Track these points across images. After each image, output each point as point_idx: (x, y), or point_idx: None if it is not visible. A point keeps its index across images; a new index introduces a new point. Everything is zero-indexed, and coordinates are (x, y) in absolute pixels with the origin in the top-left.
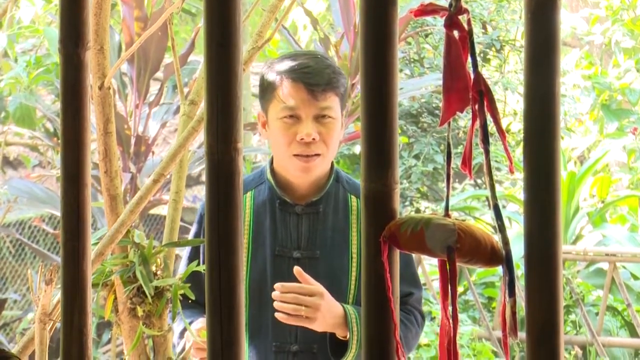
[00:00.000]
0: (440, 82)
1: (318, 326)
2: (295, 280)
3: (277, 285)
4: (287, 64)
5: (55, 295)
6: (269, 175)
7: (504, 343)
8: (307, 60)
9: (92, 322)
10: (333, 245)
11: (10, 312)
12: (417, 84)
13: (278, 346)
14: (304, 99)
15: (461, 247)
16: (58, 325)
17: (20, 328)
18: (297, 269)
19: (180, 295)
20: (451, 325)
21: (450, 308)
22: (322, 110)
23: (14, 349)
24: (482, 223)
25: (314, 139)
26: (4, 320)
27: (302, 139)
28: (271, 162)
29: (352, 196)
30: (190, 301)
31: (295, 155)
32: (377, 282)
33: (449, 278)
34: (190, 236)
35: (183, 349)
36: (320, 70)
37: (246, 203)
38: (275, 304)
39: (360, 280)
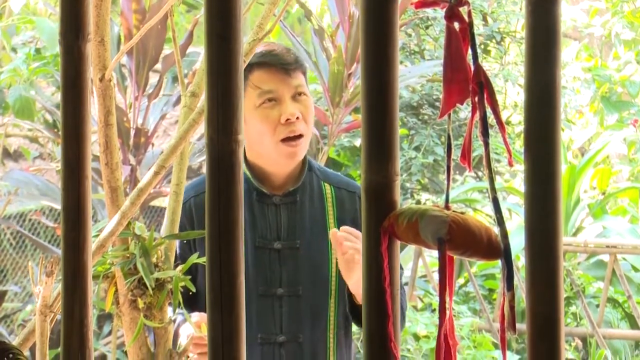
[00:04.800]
0: (436, 69)
1: (357, 274)
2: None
3: (333, 231)
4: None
5: (55, 287)
6: (243, 167)
7: (501, 338)
8: (268, 47)
9: (92, 314)
10: (312, 234)
11: (11, 304)
12: (413, 72)
13: (264, 338)
14: (281, 78)
15: (452, 239)
16: (59, 317)
17: (20, 319)
18: (333, 231)
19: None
20: (445, 318)
21: (448, 300)
22: (297, 88)
23: (14, 341)
24: (482, 214)
25: (297, 117)
26: (4, 312)
27: (287, 119)
28: (244, 154)
29: (326, 184)
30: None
31: (282, 140)
32: (378, 273)
33: (438, 269)
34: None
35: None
36: (286, 51)
37: None
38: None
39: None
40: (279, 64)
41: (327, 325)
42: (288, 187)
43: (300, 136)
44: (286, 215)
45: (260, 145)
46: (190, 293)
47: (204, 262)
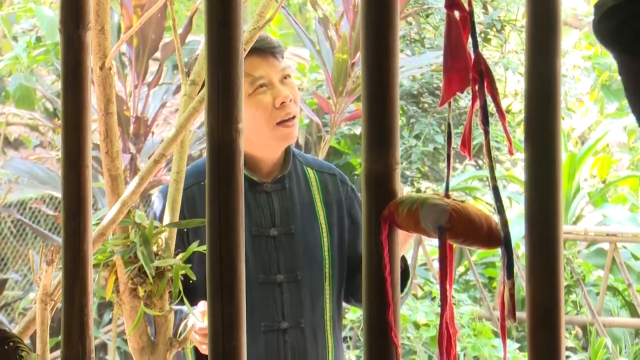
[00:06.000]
0: (439, 60)
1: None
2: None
3: None
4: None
5: (56, 275)
6: None
7: (501, 326)
8: None
9: (93, 302)
10: (304, 219)
11: (11, 292)
12: (416, 62)
13: (267, 325)
14: (270, 63)
15: (452, 228)
16: (59, 305)
17: (21, 308)
18: None
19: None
20: (446, 306)
21: (448, 287)
22: (284, 70)
23: (15, 329)
24: (482, 203)
25: (290, 99)
26: (5, 301)
27: (282, 102)
28: None
29: (308, 169)
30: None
31: (278, 123)
32: (378, 262)
33: (439, 258)
34: (157, 211)
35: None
36: (266, 36)
37: None
38: None
39: (333, 252)
40: (267, 48)
41: (324, 308)
42: (276, 174)
43: (294, 117)
44: (278, 201)
45: (255, 132)
46: (191, 281)
47: (204, 250)
